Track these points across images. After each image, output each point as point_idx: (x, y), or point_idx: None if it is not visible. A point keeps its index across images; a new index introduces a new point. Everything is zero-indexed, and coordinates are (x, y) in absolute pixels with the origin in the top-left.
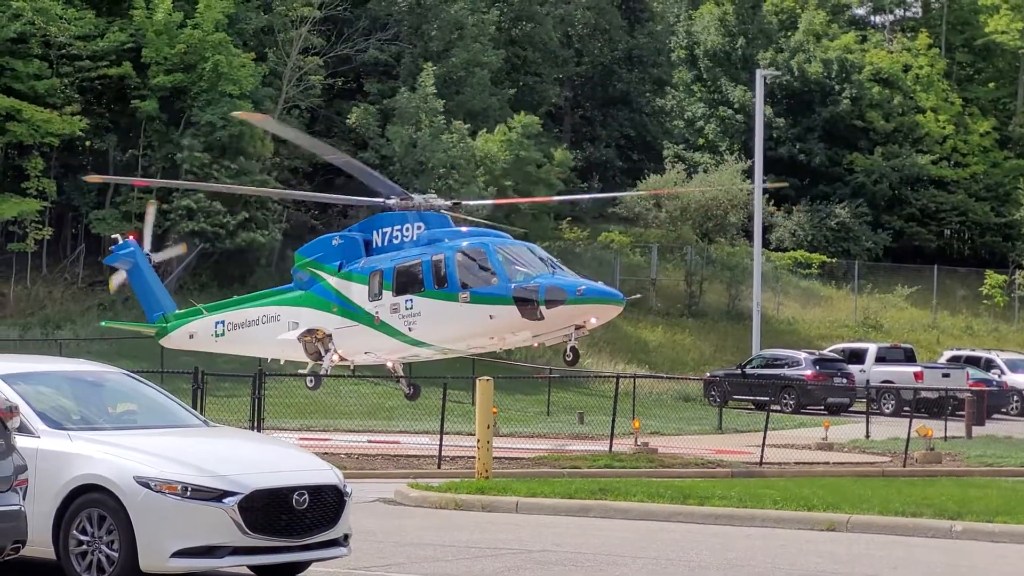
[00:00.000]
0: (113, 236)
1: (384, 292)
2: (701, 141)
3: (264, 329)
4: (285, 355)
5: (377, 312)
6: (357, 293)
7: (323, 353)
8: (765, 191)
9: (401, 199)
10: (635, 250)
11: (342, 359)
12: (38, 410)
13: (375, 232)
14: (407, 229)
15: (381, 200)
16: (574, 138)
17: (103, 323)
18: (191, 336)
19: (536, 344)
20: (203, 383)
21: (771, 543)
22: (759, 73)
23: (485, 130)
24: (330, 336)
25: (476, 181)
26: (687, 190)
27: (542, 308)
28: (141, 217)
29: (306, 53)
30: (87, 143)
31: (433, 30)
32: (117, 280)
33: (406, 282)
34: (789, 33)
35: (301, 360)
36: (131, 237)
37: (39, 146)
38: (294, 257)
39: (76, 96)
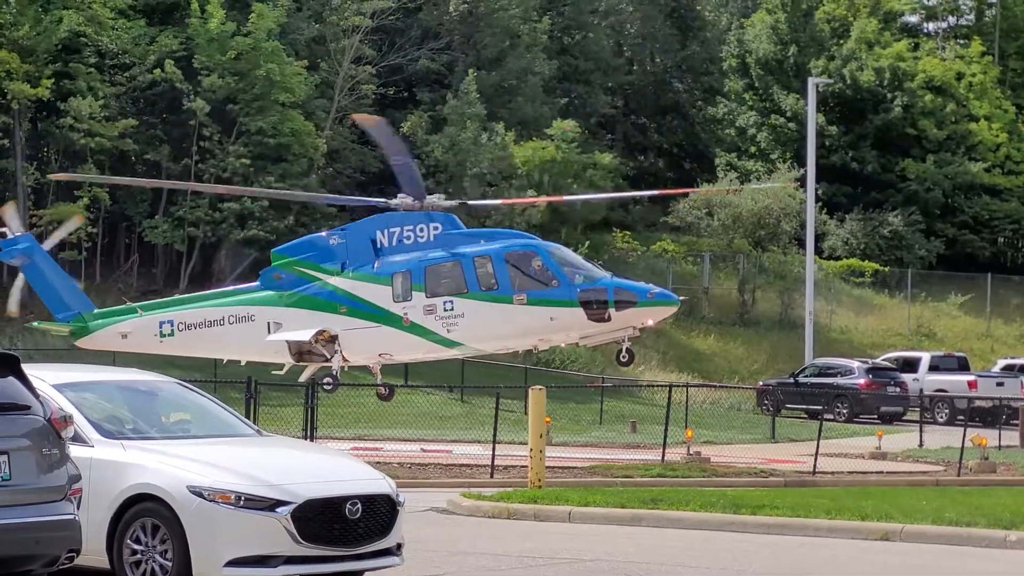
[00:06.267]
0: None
1: (415, 293)
2: (753, 149)
3: (231, 330)
4: (262, 357)
5: (406, 313)
6: (376, 294)
7: (329, 356)
8: (816, 199)
9: (411, 200)
10: (687, 259)
11: (343, 360)
12: (92, 419)
13: (379, 232)
14: (421, 230)
15: (383, 201)
16: (626, 147)
17: (36, 324)
18: (124, 336)
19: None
20: (256, 393)
21: (824, 552)
22: (811, 81)
23: (531, 139)
24: (336, 337)
25: (514, 187)
26: (711, 191)
27: (611, 310)
28: (195, 224)
29: (358, 63)
30: (144, 156)
31: (485, 39)
32: (15, 297)
33: (442, 283)
34: (841, 41)
35: (272, 363)
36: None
37: (92, 154)
38: (271, 256)
39: (129, 107)
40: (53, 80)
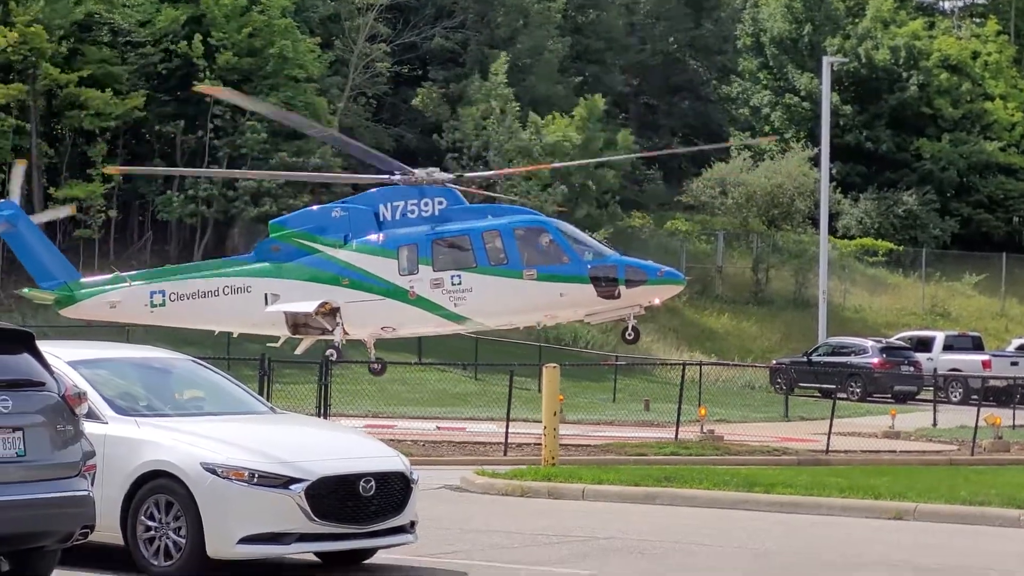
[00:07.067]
0: None
1: (421, 267)
2: (767, 129)
3: (226, 301)
4: (258, 329)
5: (412, 287)
6: (381, 267)
7: (329, 328)
8: (831, 179)
9: (403, 174)
10: (700, 237)
11: (344, 333)
12: (106, 396)
13: (382, 206)
14: (425, 204)
15: (386, 176)
16: (638, 127)
17: (25, 291)
18: (112, 306)
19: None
20: (270, 370)
21: (837, 531)
22: (826, 60)
23: (554, 116)
24: (338, 309)
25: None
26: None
27: (621, 287)
28: (208, 202)
29: (372, 41)
30: (156, 128)
31: (499, 17)
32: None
33: (450, 257)
34: (856, 20)
35: (265, 335)
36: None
37: (105, 132)
38: (269, 227)
39: (142, 83)
40: (66, 58)
